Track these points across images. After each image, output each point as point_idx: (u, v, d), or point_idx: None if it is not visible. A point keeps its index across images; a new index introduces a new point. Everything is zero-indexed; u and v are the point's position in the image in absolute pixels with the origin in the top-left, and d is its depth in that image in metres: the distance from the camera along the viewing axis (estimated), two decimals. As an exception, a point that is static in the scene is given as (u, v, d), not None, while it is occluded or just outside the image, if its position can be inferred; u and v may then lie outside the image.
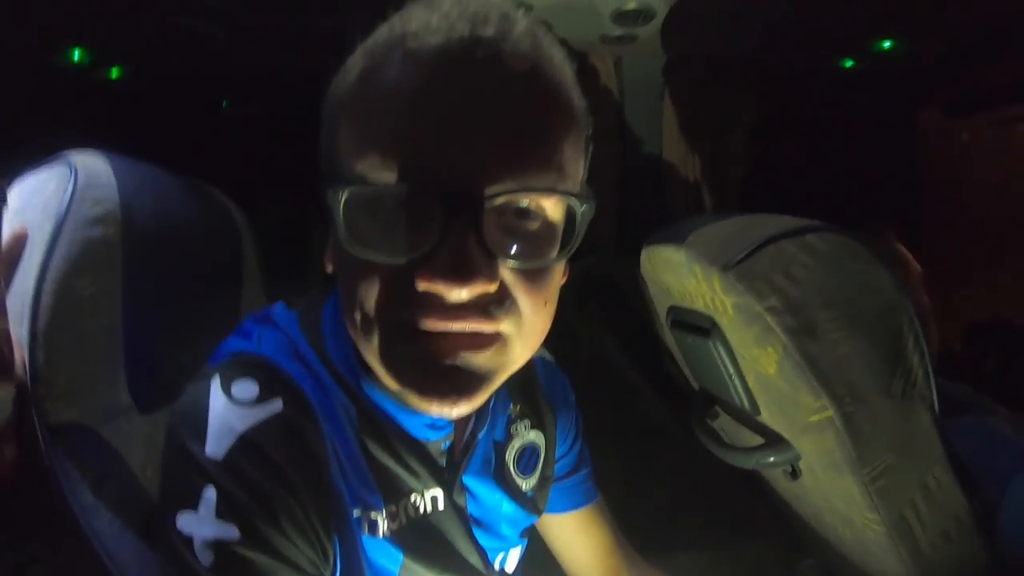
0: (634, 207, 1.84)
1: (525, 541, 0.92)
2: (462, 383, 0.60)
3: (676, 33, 1.54)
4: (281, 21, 1.47)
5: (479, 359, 0.60)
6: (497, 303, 0.59)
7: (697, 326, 1.07)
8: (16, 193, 0.88)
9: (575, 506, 1.02)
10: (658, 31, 1.54)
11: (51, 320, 0.79)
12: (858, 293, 0.89)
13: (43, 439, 0.77)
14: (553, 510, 0.99)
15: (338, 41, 0.65)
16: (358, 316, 0.60)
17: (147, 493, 0.88)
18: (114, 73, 1.72)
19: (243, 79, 1.95)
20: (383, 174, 0.55)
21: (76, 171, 0.87)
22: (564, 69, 0.62)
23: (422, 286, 0.55)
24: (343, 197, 0.57)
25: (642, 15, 1.45)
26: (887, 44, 1.66)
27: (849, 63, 1.80)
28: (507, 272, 0.59)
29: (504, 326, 0.60)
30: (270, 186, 1.96)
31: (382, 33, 0.62)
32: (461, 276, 0.54)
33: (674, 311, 1.17)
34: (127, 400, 0.89)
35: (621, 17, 1.46)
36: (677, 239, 1.02)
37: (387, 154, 0.55)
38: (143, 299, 0.90)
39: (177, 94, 1.97)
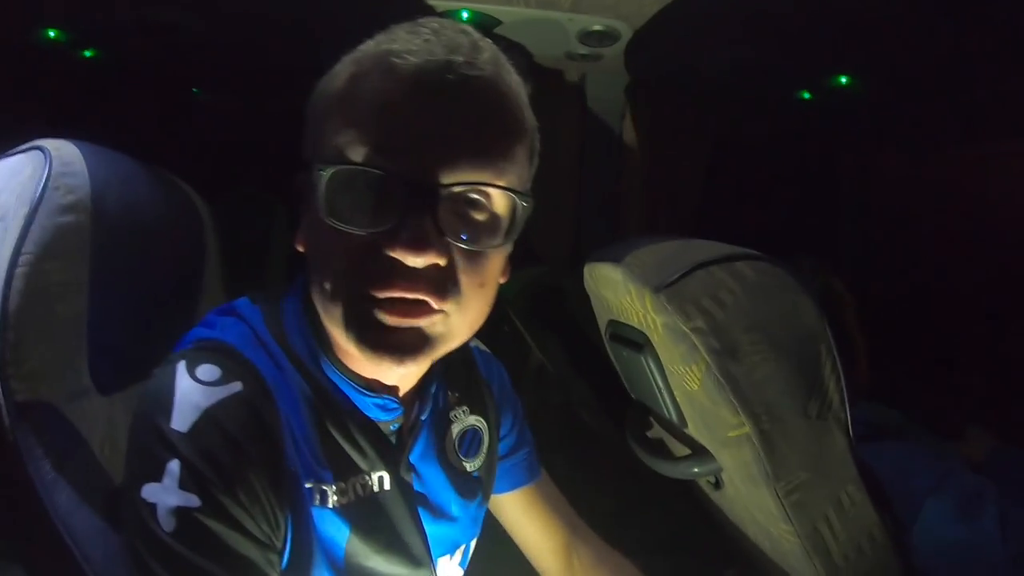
0: (590, 221, 1.86)
1: (478, 531, 0.97)
2: (410, 343, 0.69)
3: (639, 56, 1.56)
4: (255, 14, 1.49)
5: (425, 323, 0.69)
6: (447, 279, 0.69)
7: (631, 340, 1.10)
8: None
9: (518, 484, 1.07)
10: (622, 53, 1.57)
11: (22, 302, 0.81)
12: (780, 320, 0.94)
13: (8, 416, 0.79)
14: (498, 490, 1.05)
15: (309, 36, 0.71)
16: (328, 285, 0.69)
17: (106, 471, 0.90)
18: (88, 53, 1.73)
19: (216, 67, 1.97)
20: (362, 160, 0.66)
21: (50, 158, 0.89)
22: (519, 91, 0.74)
23: (387, 251, 0.65)
24: (327, 175, 0.66)
25: (607, 36, 1.48)
26: (843, 80, 1.68)
27: (806, 95, 1.82)
28: (456, 252, 0.69)
29: (448, 305, 0.69)
30: (234, 176, 1.96)
31: (369, 47, 0.72)
32: (418, 247, 0.64)
33: (612, 325, 1.19)
34: (87, 382, 0.91)
35: (587, 36, 1.49)
36: (616, 258, 1.05)
37: (367, 145, 0.66)
38: (108, 286, 0.92)
39: (150, 77, 1.98)
